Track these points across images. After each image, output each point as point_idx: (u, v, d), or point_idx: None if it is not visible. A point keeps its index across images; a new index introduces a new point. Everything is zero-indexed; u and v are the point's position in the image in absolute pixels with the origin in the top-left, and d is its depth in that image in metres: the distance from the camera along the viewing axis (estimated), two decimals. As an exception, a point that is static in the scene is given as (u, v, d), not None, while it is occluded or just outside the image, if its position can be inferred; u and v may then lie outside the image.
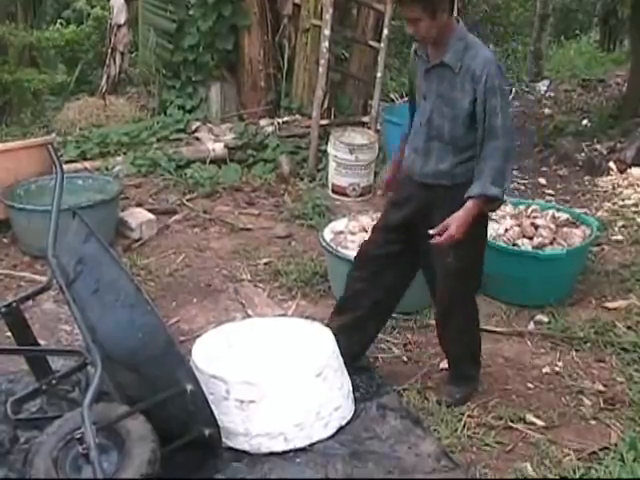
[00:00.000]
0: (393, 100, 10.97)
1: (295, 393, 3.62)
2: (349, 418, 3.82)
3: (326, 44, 8.07)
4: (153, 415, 3.24)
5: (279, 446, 3.59)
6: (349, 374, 3.95)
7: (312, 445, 3.63)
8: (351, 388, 3.92)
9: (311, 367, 3.69)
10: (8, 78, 10.33)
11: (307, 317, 4.75)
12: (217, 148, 8.16)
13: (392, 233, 4.05)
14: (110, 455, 3.11)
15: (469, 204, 3.65)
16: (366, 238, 4.40)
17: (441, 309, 4.15)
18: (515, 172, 8.51)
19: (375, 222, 4.37)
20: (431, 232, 3.67)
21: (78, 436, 2.98)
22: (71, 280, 3.37)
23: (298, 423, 3.60)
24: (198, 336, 4.25)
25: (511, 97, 12.34)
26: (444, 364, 4.45)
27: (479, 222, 3.78)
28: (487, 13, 15.45)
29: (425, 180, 3.89)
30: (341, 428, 3.74)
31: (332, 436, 3.70)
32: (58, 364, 3.96)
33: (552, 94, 12.84)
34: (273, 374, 3.66)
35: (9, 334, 3.76)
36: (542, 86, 13.20)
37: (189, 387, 3.20)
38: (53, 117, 10.20)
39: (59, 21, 13.74)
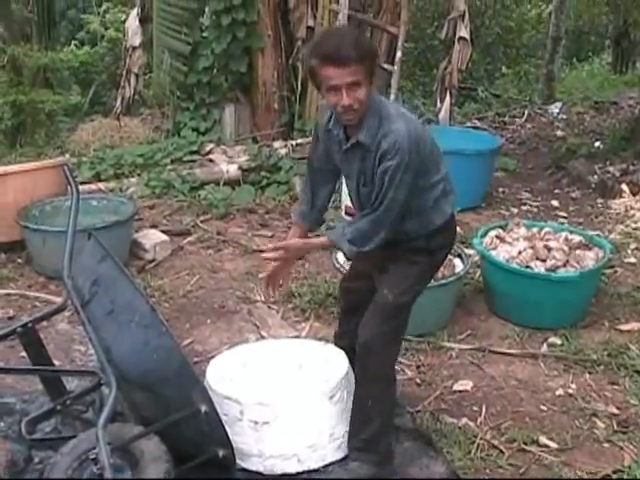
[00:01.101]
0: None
1: (309, 414, 3.61)
2: (362, 440, 3.82)
3: (339, 66, 8.10)
4: (167, 435, 3.24)
5: (292, 467, 3.59)
6: (362, 396, 3.94)
7: (326, 467, 3.63)
8: (364, 410, 3.92)
9: (325, 388, 3.68)
10: (22, 99, 10.46)
11: (320, 338, 4.74)
12: (231, 170, 8.18)
13: (359, 276, 3.93)
14: (124, 475, 3.11)
15: (317, 240, 3.67)
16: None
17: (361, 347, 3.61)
18: (527, 194, 8.53)
19: None
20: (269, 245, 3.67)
21: (92, 456, 2.99)
22: (86, 301, 3.38)
23: (311, 444, 3.60)
24: (212, 357, 4.26)
25: (523, 119, 12.40)
26: (458, 386, 4.46)
27: (428, 269, 3.69)
28: (499, 35, 15.51)
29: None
30: (354, 449, 3.74)
31: (345, 457, 3.67)
32: (72, 384, 3.98)
33: (564, 116, 12.84)
34: (287, 395, 3.66)
35: (24, 354, 3.76)
36: (554, 108, 13.20)
37: (203, 408, 3.20)
38: (67, 138, 10.27)
39: (73, 42, 13.94)
